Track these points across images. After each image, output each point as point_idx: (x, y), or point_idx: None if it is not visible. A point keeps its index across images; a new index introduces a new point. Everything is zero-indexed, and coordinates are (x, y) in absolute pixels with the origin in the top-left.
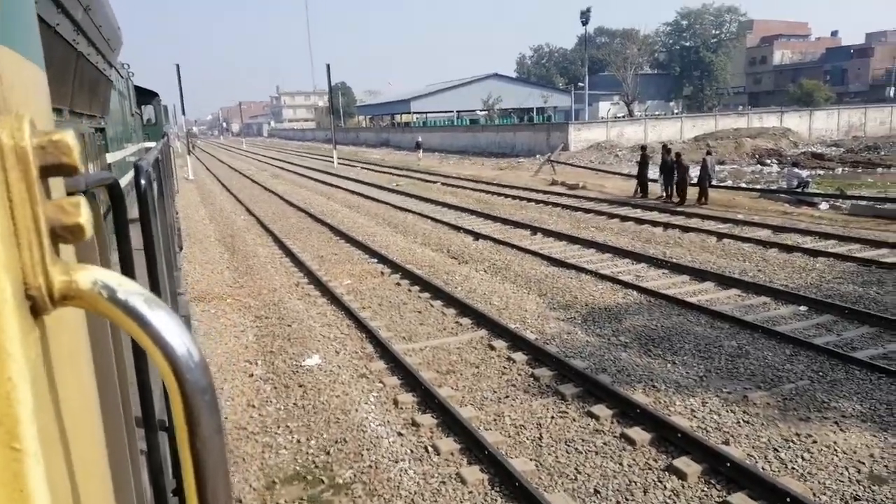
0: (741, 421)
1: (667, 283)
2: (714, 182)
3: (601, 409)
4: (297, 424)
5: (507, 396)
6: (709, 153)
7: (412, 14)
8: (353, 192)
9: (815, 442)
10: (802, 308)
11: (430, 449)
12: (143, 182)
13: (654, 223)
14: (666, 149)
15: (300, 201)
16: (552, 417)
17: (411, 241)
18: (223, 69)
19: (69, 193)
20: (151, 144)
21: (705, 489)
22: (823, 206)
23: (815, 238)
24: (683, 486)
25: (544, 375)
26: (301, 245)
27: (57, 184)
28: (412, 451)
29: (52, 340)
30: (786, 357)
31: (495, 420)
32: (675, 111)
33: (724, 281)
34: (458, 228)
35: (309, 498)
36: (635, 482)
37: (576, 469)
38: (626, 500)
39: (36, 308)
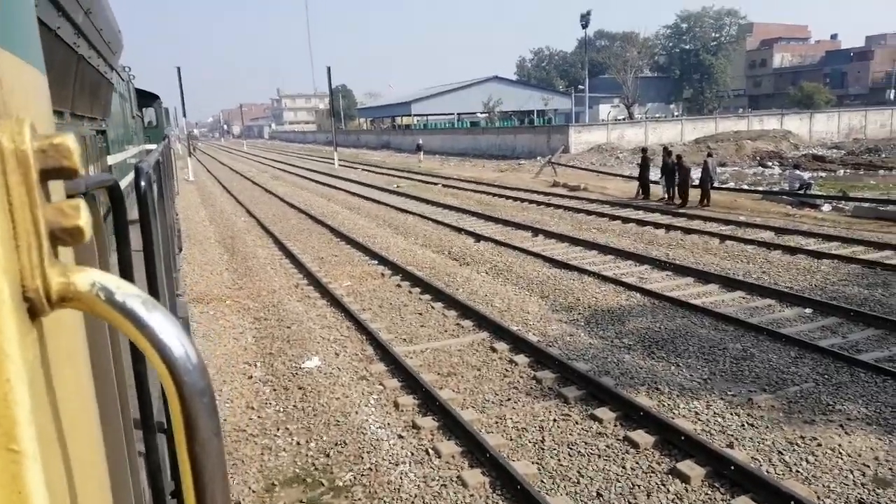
0: (745, 424)
1: (670, 285)
2: (716, 184)
3: (604, 412)
4: (296, 427)
5: (509, 399)
6: (710, 155)
7: (412, 16)
8: (353, 194)
9: (819, 445)
10: (807, 310)
11: (430, 452)
12: (143, 184)
13: (657, 225)
14: (667, 151)
15: (300, 203)
16: (554, 420)
17: (412, 243)
18: (224, 71)
19: (70, 195)
20: (152, 146)
21: (709, 493)
22: (826, 207)
23: (819, 240)
24: (687, 490)
25: (546, 378)
26: (301, 246)
27: (57, 186)
28: (413, 454)
29: (51, 342)
30: (790, 359)
31: (497, 423)
32: (676, 114)
33: (728, 283)
34: (459, 230)
35: (308, 500)
36: (638, 486)
37: (578, 472)
38: (629, 503)
39: (34, 310)
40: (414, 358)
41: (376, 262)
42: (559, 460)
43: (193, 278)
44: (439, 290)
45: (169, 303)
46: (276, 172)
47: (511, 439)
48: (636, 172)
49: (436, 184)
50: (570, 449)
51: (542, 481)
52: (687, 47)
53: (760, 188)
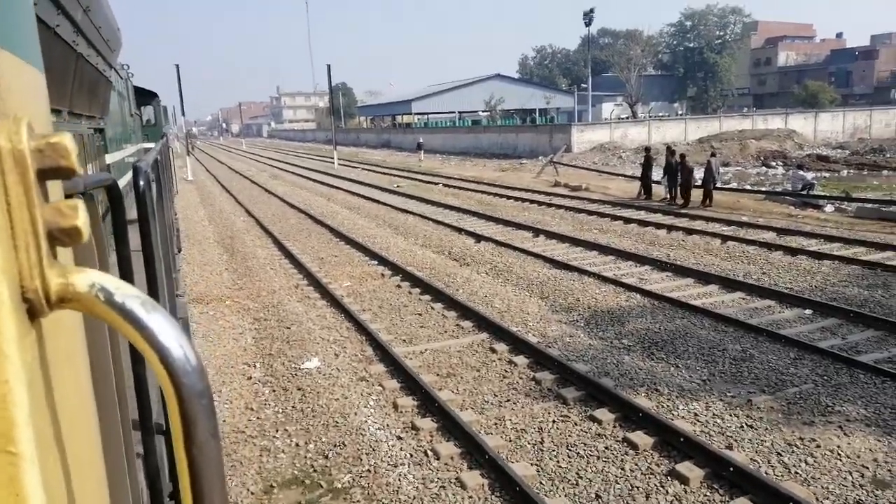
0: (745, 425)
1: (670, 286)
2: (718, 184)
3: (603, 413)
4: (295, 428)
5: (508, 400)
6: (713, 155)
7: (413, 14)
8: (353, 194)
9: (818, 446)
10: (807, 311)
11: (429, 453)
12: (141, 183)
13: (658, 225)
14: (670, 150)
15: (300, 202)
16: (553, 421)
17: (412, 243)
18: (223, 70)
19: (68, 195)
20: (151, 145)
21: (708, 494)
22: (828, 208)
23: (820, 241)
24: (686, 491)
25: (546, 379)
26: (301, 247)
27: (55, 185)
28: (411, 456)
29: (49, 343)
30: (790, 361)
31: (496, 424)
32: (679, 112)
33: (729, 284)
34: (459, 230)
35: (307, 502)
36: (637, 487)
37: (577, 474)
38: None
39: (33, 311)
40: (413, 359)
41: (376, 262)
42: (558, 462)
43: (193, 278)
44: (439, 291)
45: (168, 303)
46: (275, 171)
47: (510, 440)
48: (639, 172)
49: (436, 183)
50: (569, 450)
51: (541, 483)
52: (691, 45)
53: (763, 188)
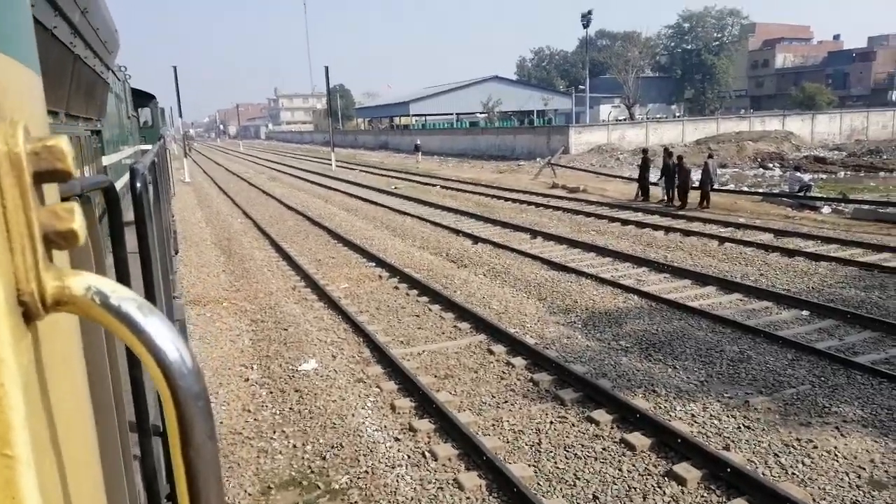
0: (742, 426)
1: (668, 288)
2: (716, 186)
3: (601, 415)
4: (292, 429)
5: (506, 401)
6: (710, 156)
7: (411, 16)
8: (351, 195)
9: (815, 447)
10: (804, 312)
11: (427, 454)
12: (138, 185)
13: (656, 227)
14: (668, 152)
15: (297, 204)
16: (551, 423)
17: (410, 245)
18: (221, 71)
19: (65, 197)
20: (148, 147)
21: (705, 495)
22: (826, 210)
23: (818, 242)
24: (683, 492)
25: (543, 380)
26: (298, 248)
27: (51, 188)
28: (409, 457)
29: (45, 346)
30: (787, 362)
31: (494, 425)
32: (677, 114)
33: (726, 285)
34: (457, 232)
35: (304, 503)
36: (634, 488)
37: (574, 475)
38: None
39: (28, 314)
40: (411, 360)
41: (374, 264)
42: (556, 463)
43: (190, 280)
44: (437, 293)
45: (165, 305)
46: (272, 173)
47: (508, 442)
48: (636, 174)
49: (434, 185)
50: (567, 451)
51: (539, 484)
52: (689, 47)
53: (760, 190)
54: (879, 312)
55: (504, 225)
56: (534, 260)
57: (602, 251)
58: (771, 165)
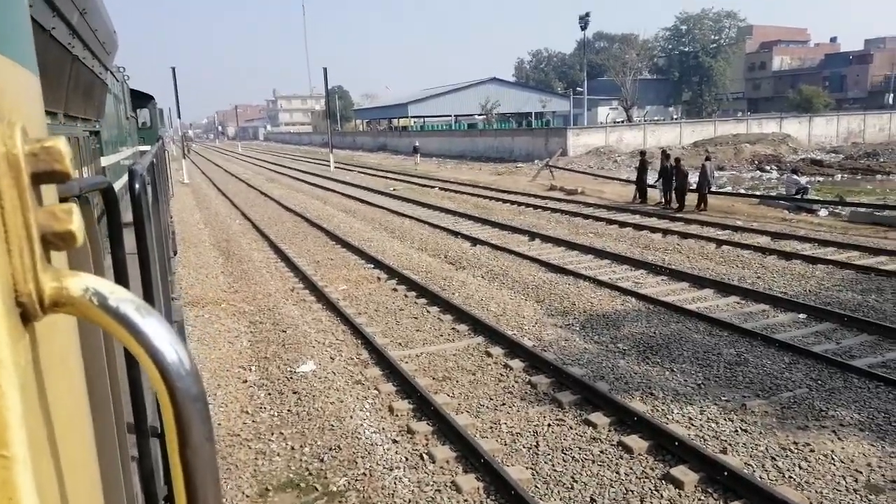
0: (739, 429)
1: (665, 290)
2: (713, 188)
3: (598, 417)
4: (290, 431)
5: (504, 404)
6: (708, 159)
7: (410, 18)
8: (349, 197)
9: (812, 451)
10: (801, 316)
11: (425, 457)
12: (137, 186)
13: (653, 229)
14: (665, 154)
15: (296, 205)
16: (549, 425)
17: (408, 246)
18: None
19: (63, 198)
20: (146, 148)
21: (702, 498)
22: (822, 212)
23: (814, 245)
24: (680, 495)
25: (541, 383)
26: (296, 250)
27: (49, 189)
28: (407, 459)
29: (43, 347)
30: (784, 365)
31: (492, 428)
32: (675, 116)
33: (723, 288)
34: (455, 233)
35: None
36: (632, 491)
37: (572, 477)
38: None
39: (26, 315)
40: (409, 362)
41: (372, 265)
42: (553, 465)
43: (189, 281)
44: (435, 295)
45: (164, 306)
46: (271, 175)
47: (505, 444)
48: (634, 176)
49: (432, 187)
50: (565, 454)
51: (536, 486)
52: (686, 49)
53: (758, 193)
54: (876, 316)
55: (502, 227)
56: (532, 262)
57: (600, 253)
58: (768, 168)
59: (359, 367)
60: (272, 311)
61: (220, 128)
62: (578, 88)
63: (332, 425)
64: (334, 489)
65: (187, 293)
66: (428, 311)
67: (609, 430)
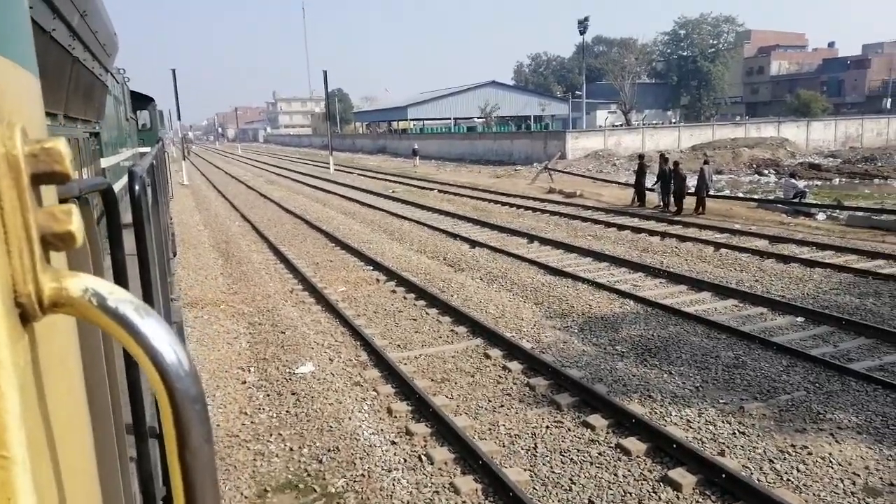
0: (737, 432)
1: (664, 293)
2: (711, 192)
3: (597, 419)
4: (289, 432)
5: (502, 406)
6: (706, 162)
7: (410, 21)
8: (348, 199)
9: (810, 453)
10: (799, 319)
11: (423, 458)
12: (137, 187)
13: (652, 232)
14: (664, 158)
15: (296, 207)
16: (547, 427)
17: (407, 249)
18: (219, 74)
19: (63, 199)
20: (146, 149)
21: (700, 500)
22: (820, 216)
23: (812, 249)
24: (678, 498)
25: (540, 385)
26: (296, 251)
27: (49, 190)
28: (405, 461)
29: (42, 347)
30: (782, 368)
31: (490, 429)
32: (673, 120)
33: (722, 291)
34: (454, 236)
35: None
36: (630, 493)
37: (570, 479)
38: None
39: (26, 315)
40: (408, 364)
41: (371, 267)
42: (551, 467)
43: (188, 282)
44: (434, 297)
45: (163, 307)
46: (270, 176)
47: (504, 446)
48: (633, 179)
49: (431, 189)
50: (563, 456)
51: (535, 488)
52: (684, 54)
53: (756, 196)
54: (874, 319)
55: (501, 229)
56: (530, 264)
57: (598, 256)
58: (766, 172)
59: (358, 369)
60: (271, 312)
61: (219, 130)
62: (577, 92)
63: (331, 426)
64: (333, 490)
65: (187, 294)
66: (427, 313)
67: (607, 433)
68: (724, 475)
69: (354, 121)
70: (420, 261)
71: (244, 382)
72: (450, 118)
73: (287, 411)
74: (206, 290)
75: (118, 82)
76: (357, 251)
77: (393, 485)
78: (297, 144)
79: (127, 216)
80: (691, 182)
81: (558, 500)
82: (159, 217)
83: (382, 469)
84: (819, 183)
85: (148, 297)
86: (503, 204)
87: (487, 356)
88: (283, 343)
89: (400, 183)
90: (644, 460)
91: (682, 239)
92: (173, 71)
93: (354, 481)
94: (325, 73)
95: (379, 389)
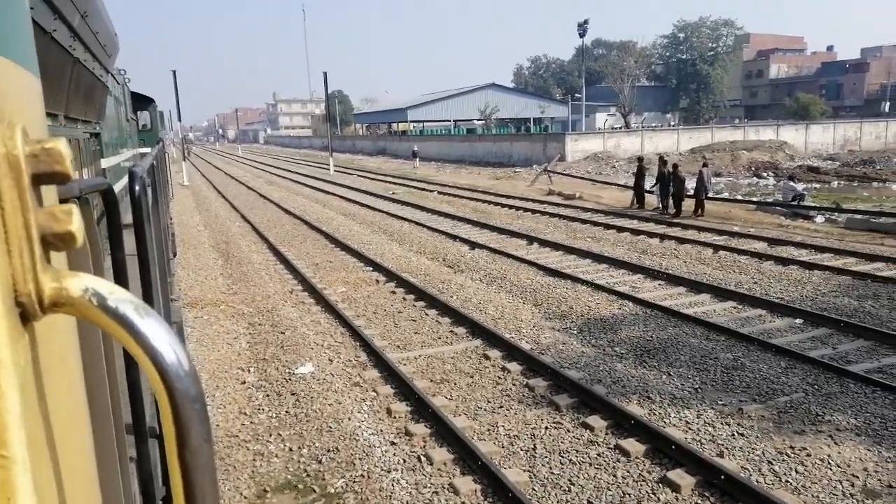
0: (736, 433)
1: (663, 295)
2: (710, 194)
3: (596, 420)
4: (289, 433)
5: (502, 406)
6: (705, 165)
7: (410, 23)
8: (348, 200)
9: (809, 455)
10: (798, 321)
11: (422, 459)
12: (137, 188)
13: (651, 234)
14: (662, 160)
15: (295, 208)
16: (546, 428)
17: (407, 250)
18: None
19: (63, 199)
20: (147, 150)
21: (699, 502)
22: (819, 219)
23: (811, 251)
24: (677, 499)
25: (539, 386)
26: (296, 252)
27: (50, 190)
28: (405, 461)
29: (42, 347)
30: (781, 370)
31: (489, 430)
32: (672, 123)
33: (720, 293)
34: (454, 237)
35: None
36: (629, 494)
37: (569, 480)
38: None
39: (26, 315)
40: (407, 365)
41: (371, 268)
42: (550, 468)
43: (188, 283)
44: (433, 298)
45: (163, 308)
46: (270, 177)
47: (503, 447)
48: (632, 181)
49: (431, 191)
50: (562, 457)
51: (534, 489)
52: (684, 57)
53: (755, 199)
54: (872, 321)
55: (500, 231)
56: (530, 266)
57: (598, 258)
58: (765, 175)
59: (357, 369)
60: (271, 312)
61: (220, 131)
62: (577, 95)
63: (331, 427)
64: (332, 491)
65: (186, 294)
66: (426, 314)
67: (606, 434)
68: (722, 476)
69: (354, 122)
70: (420, 262)
71: (244, 383)
72: (449, 120)
73: (286, 412)
74: (206, 290)
75: (119, 83)
76: (357, 252)
77: (392, 485)
78: (297, 146)
79: (127, 216)
80: (690, 184)
81: (557, 501)
82: (159, 217)
83: (382, 469)
84: (818, 186)
85: (148, 298)
86: (503, 205)
87: (487, 357)
88: (282, 343)
89: (400, 184)
90: (643, 461)
91: (681, 241)
92: (174, 72)
93: (354, 482)
94: (325, 74)
95: (378, 390)
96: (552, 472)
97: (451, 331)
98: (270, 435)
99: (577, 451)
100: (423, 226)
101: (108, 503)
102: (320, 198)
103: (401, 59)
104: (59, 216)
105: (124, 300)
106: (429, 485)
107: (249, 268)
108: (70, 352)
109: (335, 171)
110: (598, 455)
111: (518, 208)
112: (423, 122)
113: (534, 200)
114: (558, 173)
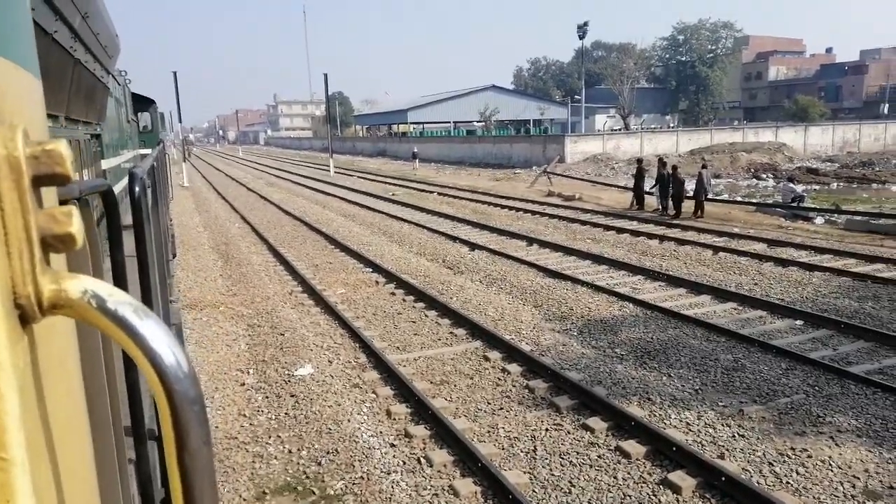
0: (736, 435)
1: (663, 296)
2: (710, 196)
3: (596, 422)
4: (288, 434)
5: (502, 408)
6: (704, 167)
7: (410, 25)
8: (348, 202)
9: (809, 456)
10: (798, 322)
11: (422, 460)
12: (137, 189)
13: (650, 235)
14: (662, 162)
15: (295, 210)
16: (546, 430)
17: (406, 251)
18: (221, 77)
19: (63, 200)
20: (147, 151)
21: (700, 503)
22: (819, 220)
23: (811, 252)
24: (678, 500)
25: (539, 387)
26: (295, 253)
27: (50, 191)
28: (404, 463)
29: (42, 349)
30: (781, 371)
31: (489, 432)
32: (671, 125)
33: (721, 294)
34: (453, 238)
35: None
36: (630, 496)
37: (570, 482)
38: None
39: (25, 317)
40: (407, 366)
41: (371, 269)
42: (551, 470)
43: (187, 284)
44: (433, 299)
45: (162, 309)
46: (270, 179)
47: (503, 448)
48: (631, 183)
49: (431, 192)
50: (562, 458)
51: (534, 491)
52: (683, 59)
53: (754, 200)
54: (873, 322)
55: (500, 232)
56: (530, 267)
57: (597, 259)
58: (764, 176)
59: (357, 371)
60: (270, 314)
61: (220, 132)
62: (576, 96)
63: (330, 429)
64: (332, 493)
65: (186, 296)
66: (426, 315)
67: (607, 435)
68: (723, 478)
69: (355, 124)
70: (419, 263)
71: (243, 384)
72: (449, 122)
73: (286, 413)
74: (206, 291)
75: (119, 84)
76: (356, 253)
77: (392, 487)
78: (297, 147)
79: (127, 218)
80: (690, 186)
81: (558, 503)
82: (159, 219)
83: (381, 471)
84: (817, 187)
85: (147, 299)
86: (502, 207)
87: (487, 358)
88: (282, 345)
89: (400, 185)
90: (644, 463)
91: (681, 242)
92: (174, 73)
93: (353, 483)
94: (325, 76)
95: (378, 391)
96: (553, 474)
97: (450, 332)
98: (270, 437)
99: (578, 453)
100: (423, 227)
101: None
102: (320, 199)
103: (401, 59)
104: (59, 218)
105: (123, 302)
106: (429, 487)
107: (249, 269)
108: (69, 354)
109: (335, 172)
110: (599, 457)
111: (518, 209)
112: (422, 123)
113: (533, 202)
114: (558, 175)
